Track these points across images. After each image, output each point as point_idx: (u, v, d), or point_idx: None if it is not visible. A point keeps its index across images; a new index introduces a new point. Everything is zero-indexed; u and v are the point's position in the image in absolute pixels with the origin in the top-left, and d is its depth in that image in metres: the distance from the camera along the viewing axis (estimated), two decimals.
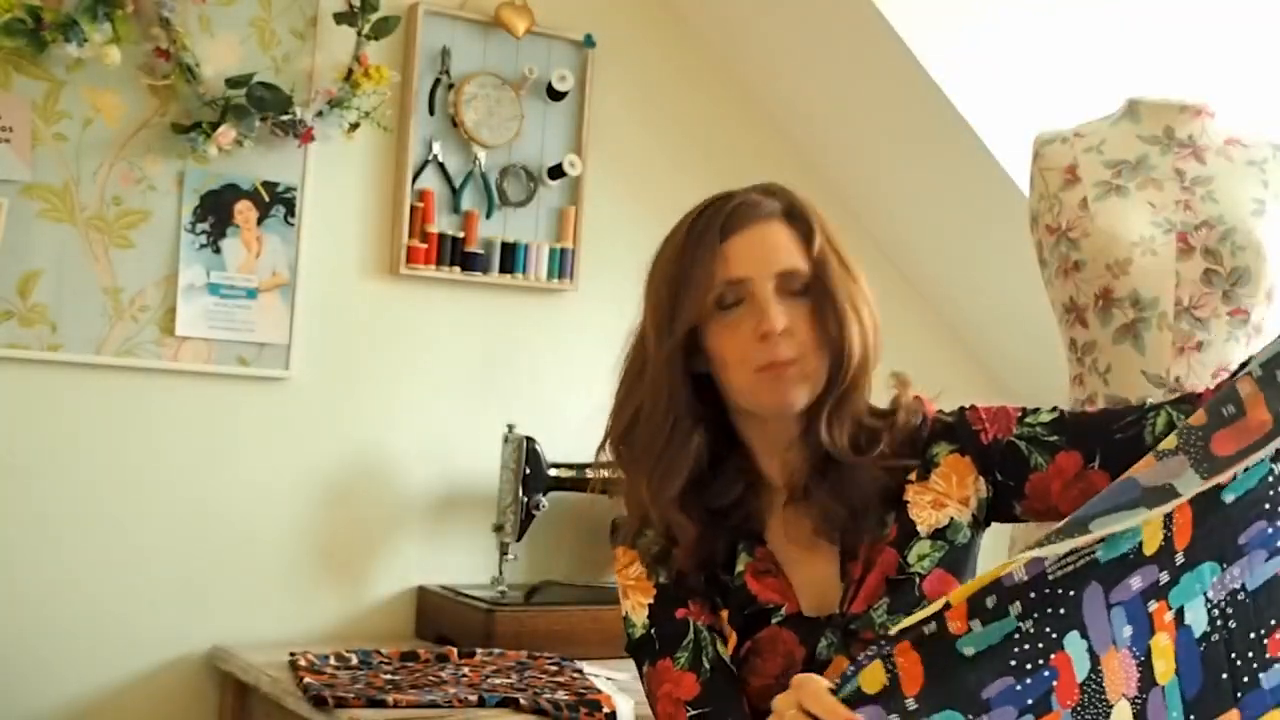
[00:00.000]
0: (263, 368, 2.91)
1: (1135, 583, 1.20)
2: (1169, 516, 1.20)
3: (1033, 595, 1.19)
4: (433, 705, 2.43)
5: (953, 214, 3.31)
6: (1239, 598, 1.22)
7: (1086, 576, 1.19)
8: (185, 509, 2.86)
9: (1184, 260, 2.27)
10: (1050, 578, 1.19)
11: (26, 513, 2.72)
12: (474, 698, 2.46)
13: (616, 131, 3.31)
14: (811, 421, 1.50)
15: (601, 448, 1.60)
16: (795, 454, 1.53)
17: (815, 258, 1.51)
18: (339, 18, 2.89)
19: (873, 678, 1.19)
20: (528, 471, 3.01)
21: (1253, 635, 1.22)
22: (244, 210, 2.89)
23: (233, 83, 2.79)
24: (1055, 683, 1.18)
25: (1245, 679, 1.22)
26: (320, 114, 2.88)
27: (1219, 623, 1.22)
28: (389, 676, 2.61)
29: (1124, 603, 1.20)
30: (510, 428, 3.05)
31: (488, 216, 3.14)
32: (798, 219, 1.53)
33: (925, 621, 1.19)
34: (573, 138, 3.24)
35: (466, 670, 2.68)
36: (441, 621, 2.99)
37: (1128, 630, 1.20)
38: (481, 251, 3.12)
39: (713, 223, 1.54)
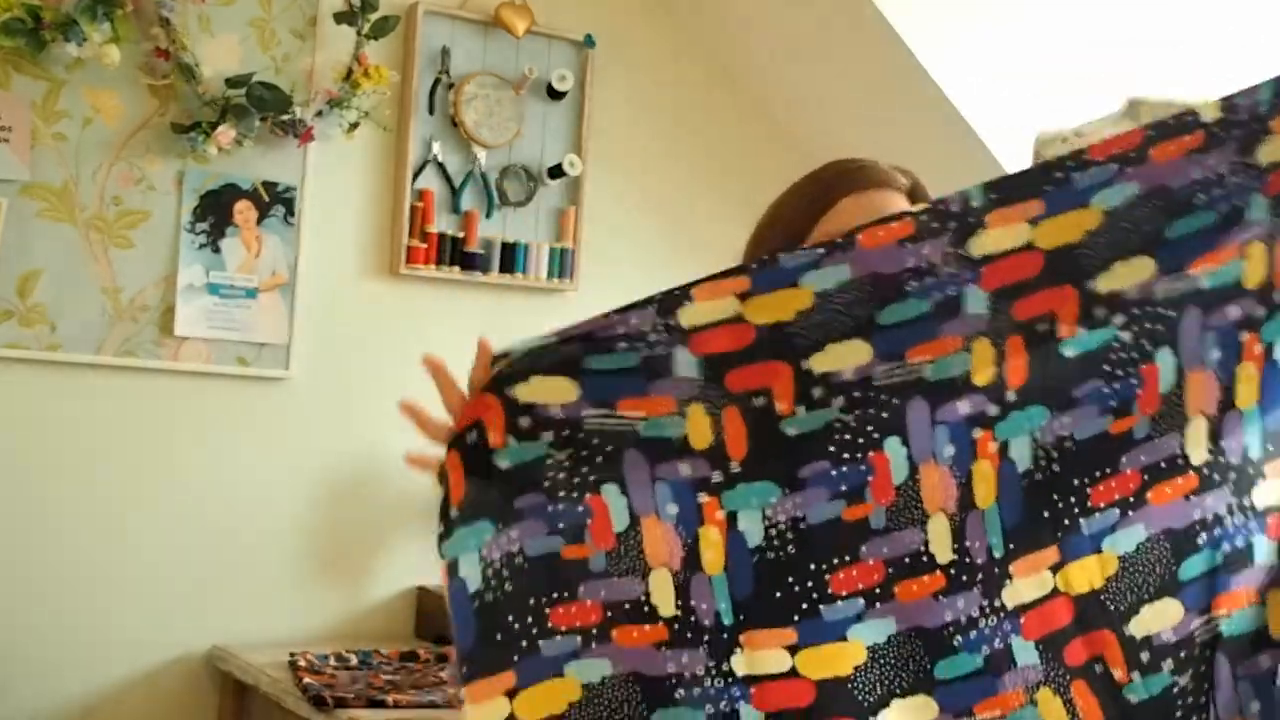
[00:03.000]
0: (263, 368, 2.91)
1: (962, 408, 1.24)
2: (1002, 352, 1.24)
3: (856, 395, 1.23)
4: (433, 705, 2.43)
5: None
6: (1066, 445, 1.25)
7: (913, 390, 1.23)
8: (185, 509, 2.86)
9: None
10: (876, 383, 1.23)
11: (26, 512, 2.72)
12: None
13: (616, 131, 3.31)
14: None
15: None
16: None
17: None
18: (339, 17, 2.89)
19: (699, 432, 1.23)
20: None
21: (1076, 481, 1.25)
22: (244, 210, 2.89)
23: (232, 82, 2.79)
24: (871, 478, 1.23)
25: (1066, 521, 1.25)
26: (320, 114, 2.88)
27: (1043, 463, 1.25)
28: (389, 676, 2.61)
29: (949, 423, 1.24)
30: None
31: (488, 216, 3.14)
32: (917, 198, 1.51)
33: (754, 393, 1.24)
34: (573, 138, 3.24)
35: None
36: (441, 621, 2.99)
37: (950, 449, 1.24)
38: (481, 251, 3.12)
39: (831, 174, 1.52)
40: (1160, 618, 1.24)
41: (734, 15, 3.32)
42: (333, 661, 2.69)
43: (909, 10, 2.99)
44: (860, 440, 1.23)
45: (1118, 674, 1.24)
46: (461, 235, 3.10)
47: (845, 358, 1.22)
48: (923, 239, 1.22)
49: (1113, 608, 1.24)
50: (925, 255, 1.22)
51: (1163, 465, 1.26)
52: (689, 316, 1.22)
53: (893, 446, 1.24)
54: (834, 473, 1.23)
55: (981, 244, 1.22)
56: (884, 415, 1.23)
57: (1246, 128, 1.23)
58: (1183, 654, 1.24)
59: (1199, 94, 2.40)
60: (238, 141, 2.80)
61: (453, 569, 1.21)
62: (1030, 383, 1.25)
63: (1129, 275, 1.24)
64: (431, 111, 3.07)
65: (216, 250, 2.86)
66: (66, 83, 2.72)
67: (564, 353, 1.27)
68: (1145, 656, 1.24)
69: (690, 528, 1.22)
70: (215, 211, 2.86)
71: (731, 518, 1.23)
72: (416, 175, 3.06)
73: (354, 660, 2.71)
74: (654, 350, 1.23)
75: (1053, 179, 1.22)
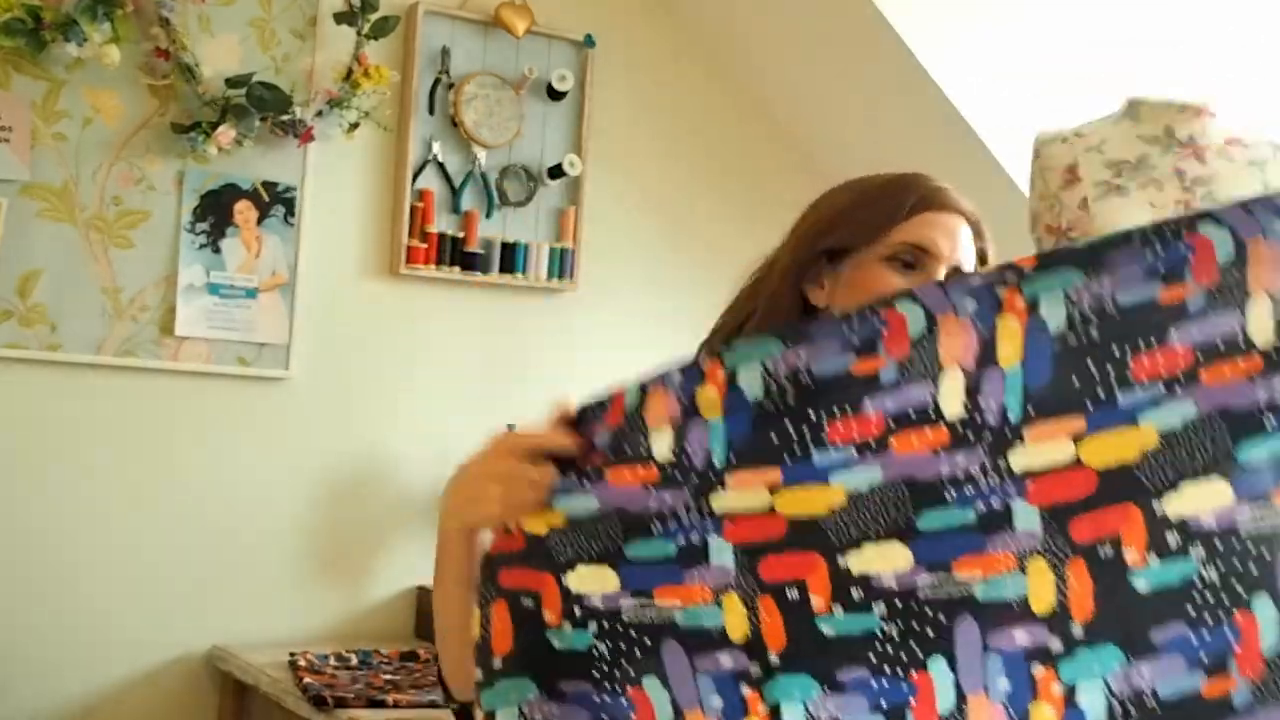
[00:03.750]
0: (263, 368, 2.91)
1: (1020, 637, 1.16)
2: (1063, 577, 1.15)
3: (899, 604, 1.17)
4: (433, 705, 2.43)
5: None
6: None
7: (961, 609, 1.16)
8: (185, 509, 2.86)
9: None
10: (920, 595, 1.17)
11: (27, 512, 2.72)
12: None
13: (616, 131, 3.31)
14: None
15: (704, 346, 1.53)
16: None
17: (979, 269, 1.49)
18: (339, 18, 2.89)
19: (735, 623, 1.20)
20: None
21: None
22: (244, 210, 2.89)
23: (233, 83, 2.79)
24: (913, 700, 1.17)
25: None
26: (320, 114, 2.88)
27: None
28: (389, 676, 2.61)
29: (1004, 653, 1.17)
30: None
31: (488, 216, 3.14)
32: (979, 236, 1.51)
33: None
34: (573, 138, 3.24)
35: None
36: None
37: (1004, 684, 1.16)
38: (481, 251, 3.12)
39: (919, 187, 1.49)
40: (1204, 498, 1.13)
41: (734, 15, 3.32)
42: (333, 661, 2.69)
43: (909, 10, 2.99)
44: (903, 655, 1.17)
45: (1132, 556, 1.13)
46: (461, 235, 3.11)
47: (885, 561, 1.17)
48: (958, 448, 1.16)
49: (1146, 482, 1.14)
50: (961, 465, 1.16)
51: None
52: (721, 502, 1.20)
53: (938, 669, 1.16)
54: (874, 684, 1.17)
55: (1022, 459, 1.15)
56: (929, 632, 1.16)
57: None
58: (1219, 543, 1.13)
59: (1199, 94, 2.41)
60: (238, 141, 2.80)
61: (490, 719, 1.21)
62: (1099, 619, 1.14)
63: (1203, 499, 1.14)
64: (431, 111, 3.07)
65: (217, 250, 2.86)
66: (67, 83, 2.72)
67: (605, 536, 1.23)
68: (1174, 539, 1.14)
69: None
70: (215, 211, 2.86)
71: (775, 711, 1.19)
72: (416, 175, 3.06)
73: (354, 660, 2.71)
74: (690, 537, 1.21)
75: (1095, 395, 1.15)
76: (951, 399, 1.17)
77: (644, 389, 1.24)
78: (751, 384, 1.21)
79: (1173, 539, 1.13)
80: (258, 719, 2.78)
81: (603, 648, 1.22)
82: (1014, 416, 1.16)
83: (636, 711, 1.21)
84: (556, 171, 3.18)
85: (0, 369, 2.69)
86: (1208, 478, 1.13)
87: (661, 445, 1.22)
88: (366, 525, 3.05)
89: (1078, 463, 1.14)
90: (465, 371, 3.16)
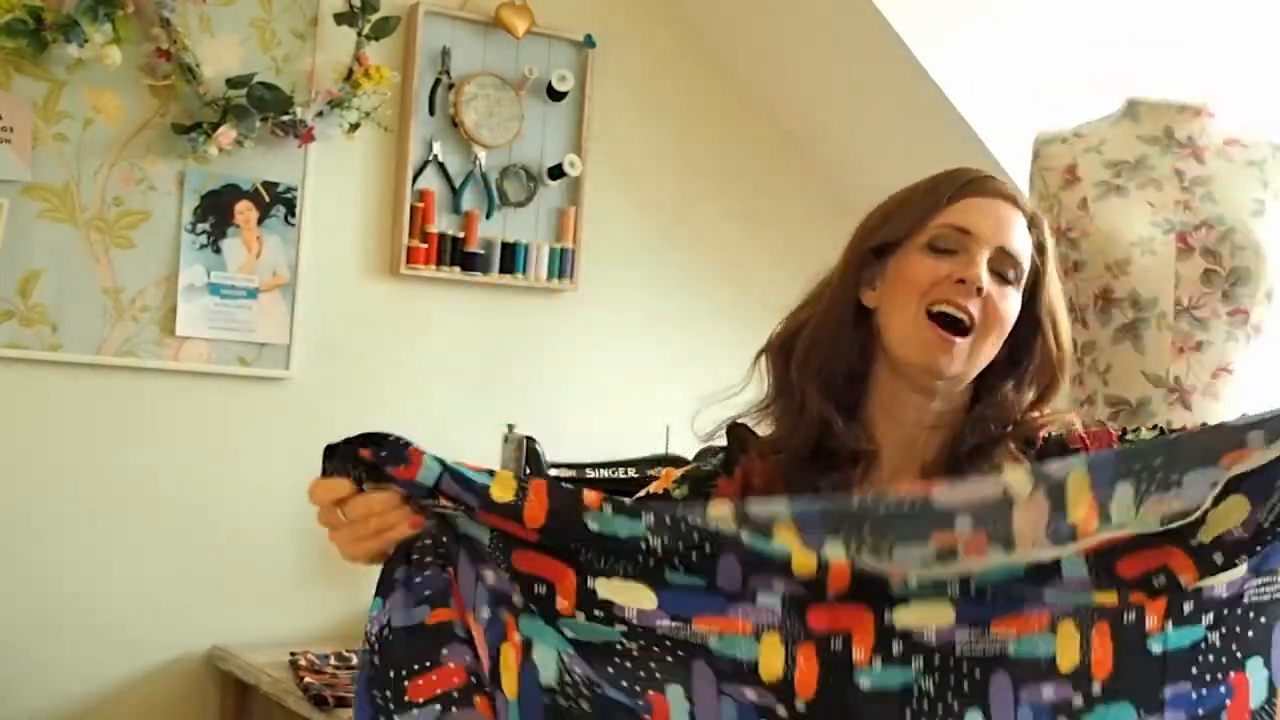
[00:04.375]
0: (263, 368, 2.91)
1: (1047, 692, 1.20)
2: (1088, 639, 1.20)
3: (937, 660, 1.20)
4: None
5: None
6: None
7: (996, 665, 1.20)
8: (185, 509, 2.86)
9: (1183, 260, 2.27)
10: (958, 652, 1.20)
11: (26, 512, 2.72)
12: None
13: (616, 131, 3.31)
14: (971, 403, 1.44)
15: (763, 352, 1.51)
16: (928, 436, 1.45)
17: (1036, 262, 1.45)
18: (339, 18, 2.89)
19: (770, 664, 1.21)
20: (528, 471, 3.01)
21: None
22: (244, 210, 2.89)
23: (233, 83, 2.79)
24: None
25: None
26: (320, 114, 2.88)
27: None
28: None
29: (1033, 706, 1.20)
30: (510, 428, 3.05)
31: (488, 216, 3.14)
32: (1035, 226, 1.48)
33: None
34: (573, 138, 3.24)
35: None
36: None
37: None
38: (481, 251, 3.12)
39: (964, 176, 1.48)
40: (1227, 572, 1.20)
41: (735, 15, 3.32)
42: (333, 661, 2.69)
43: (909, 10, 2.99)
44: (939, 708, 1.20)
45: (1151, 622, 1.20)
46: (462, 235, 3.11)
47: (928, 617, 1.20)
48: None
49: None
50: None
51: None
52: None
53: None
54: None
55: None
56: (965, 687, 1.20)
57: None
58: (1225, 611, 1.21)
59: (1199, 94, 2.41)
60: (238, 142, 2.80)
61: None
62: (1116, 675, 1.20)
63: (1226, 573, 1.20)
64: (432, 112, 3.08)
65: (217, 250, 2.86)
66: (68, 83, 2.72)
67: (647, 554, 1.24)
68: (1188, 607, 1.20)
69: None
70: (216, 212, 2.86)
71: None
72: (417, 175, 3.06)
73: (354, 660, 2.71)
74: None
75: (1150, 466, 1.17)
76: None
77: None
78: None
79: (1188, 606, 1.20)
80: (258, 719, 2.78)
81: (630, 646, 1.23)
82: None
83: (651, 714, 1.22)
84: (556, 171, 3.19)
85: (1, 369, 2.69)
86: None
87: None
88: None
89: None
90: (465, 371, 3.16)
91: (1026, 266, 1.44)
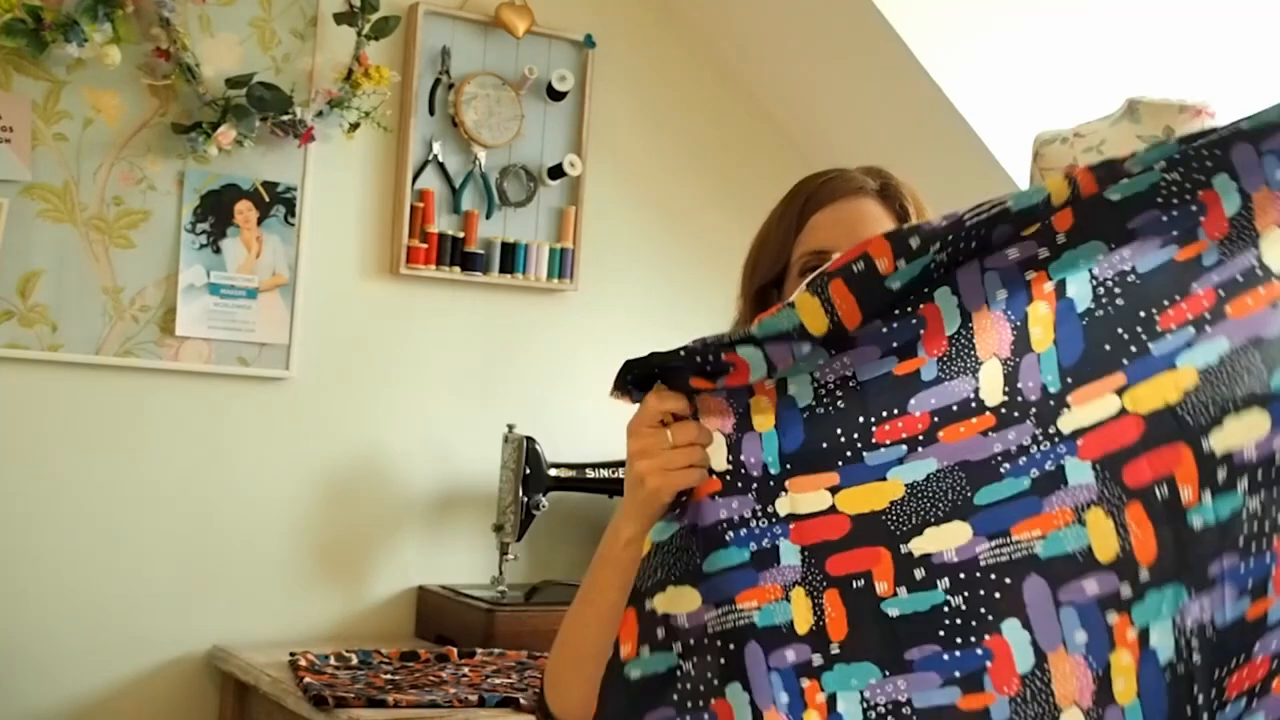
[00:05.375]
0: (263, 368, 2.91)
1: (1090, 588, 1.17)
2: (1123, 524, 1.16)
3: (963, 576, 1.20)
4: (433, 705, 2.43)
5: None
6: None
7: (1026, 568, 1.18)
8: (185, 509, 2.86)
9: None
10: (982, 563, 1.19)
11: (27, 512, 2.72)
12: (474, 698, 2.46)
13: (616, 131, 3.31)
14: None
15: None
16: None
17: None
18: (339, 18, 2.89)
19: (802, 616, 1.23)
20: (528, 471, 3.01)
21: (1215, 674, 1.15)
22: (244, 210, 2.89)
23: (233, 83, 2.79)
24: (989, 664, 1.18)
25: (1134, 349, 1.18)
26: (320, 114, 2.88)
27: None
28: (389, 676, 2.61)
29: (1076, 605, 1.18)
30: (510, 428, 3.05)
31: (488, 216, 3.14)
32: (891, 197, 1.51)
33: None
34: (573, 138, 3.24)
35: (466, 670, 2.68)
36: (441, 621, 2.99)
37: (1082, 635, 1.17)
38: (481, 251, 3.12)
39: (803, 193, 1.52)
40: (1244, 430, 1.14)
41: (735, 15, 3.32)
42: (333, 661, 2.69)
43: (909, 10, 2.99)
44: (973, 623, 1.18)
45: (1187, 495, 1.14)
46: (461, 235, 3.11)
47: (945, 540, 1.20)
48: (1007, 427, 1.20)
49: (1191, 420, 1.15)
50: (1013, 440, 1.19)
51: None
52: (786, 506, 1.25)
53: (1012, 631, 1.18)
54: (945, 657, 1.19)
55: (1071, 421, 1.18)
56: (996, 596, 1.18)
57: None
58: (1260, 474, 1.14)
59: (1199, 94, 2.41)
60: (238, 142, 2.80)
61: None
62: (1161, 559, 1.15)
63: (1244, 431, 1.15)
64: (432, 112, 3.08)
65: (217, 250, 2.86)
66: (67, 83, 2.72)
67: (687, 553, 1.28)
68: (1222, 474, 1.14)
69: (797, 714, 1.23)
70: (216, 212, 2.86)
71: (831, 700, 1.22)
72: (417, 175, 3.06)
73: (354, 660, 2.71)
74: (761, 543, 1.25)
75: (1129, 352, 1.17)
76: (992, 389, 1.21)
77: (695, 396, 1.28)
78: (801, 392, 1.25)
79: (1221, 474, 1.14)
80: (258, 719, 2.78)
81: (687, 666, 1.25)
82: (1054, 389, 1.19)
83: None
84: (556, 171, 3.19)
85: (0, 369, 2.69)
86: (1247, 410, 1.14)
87: (718, 457, 1.27)
88: (366, 525, 3.05)
89: (1123, 412, 1.17)
90: (465, 371, 3.16)
91: None
